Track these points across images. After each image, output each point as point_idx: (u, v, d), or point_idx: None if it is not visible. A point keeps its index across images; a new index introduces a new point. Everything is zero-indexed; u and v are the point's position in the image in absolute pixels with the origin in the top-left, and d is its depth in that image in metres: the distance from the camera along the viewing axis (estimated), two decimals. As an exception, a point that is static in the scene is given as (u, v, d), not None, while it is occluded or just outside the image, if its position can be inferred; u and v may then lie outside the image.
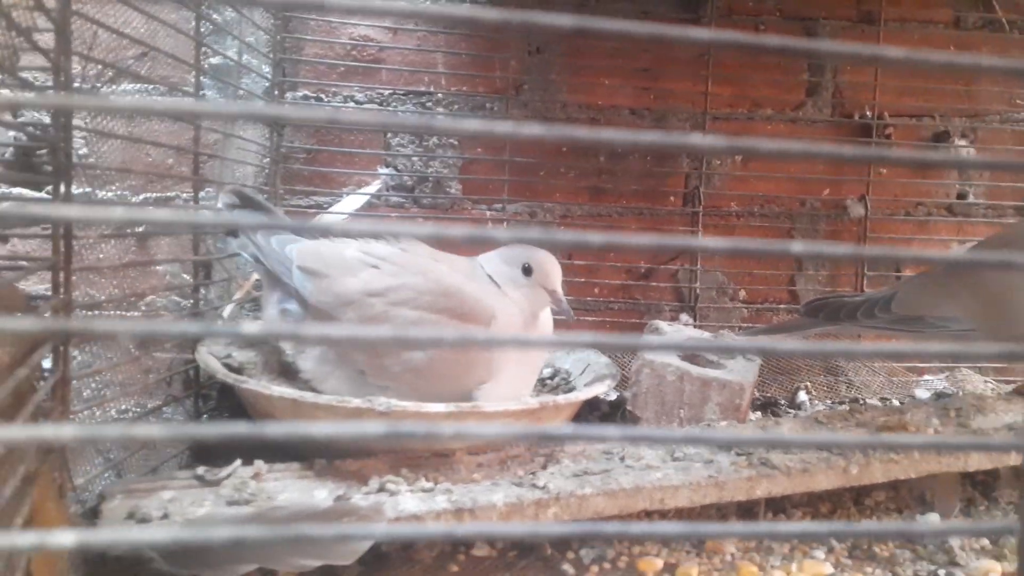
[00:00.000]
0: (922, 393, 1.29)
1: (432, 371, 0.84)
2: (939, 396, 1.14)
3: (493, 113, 1.32)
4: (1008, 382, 1.32)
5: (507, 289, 0.91)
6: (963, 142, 1.39)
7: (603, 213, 1.37)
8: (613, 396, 1.09)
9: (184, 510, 0.68)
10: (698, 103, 1.34)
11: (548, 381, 1.06)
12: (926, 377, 1.36)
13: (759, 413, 1.18)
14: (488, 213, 1.33)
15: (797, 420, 0.88)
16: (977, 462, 0.81)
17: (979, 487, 0.92)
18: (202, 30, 1.05)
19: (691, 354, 0.98)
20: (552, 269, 0.92)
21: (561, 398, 0.84)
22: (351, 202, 1.27)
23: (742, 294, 1.40)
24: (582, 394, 0.87)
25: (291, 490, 0.74)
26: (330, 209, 1.27)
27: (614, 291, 1.37)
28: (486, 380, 0.86)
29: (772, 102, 1.37)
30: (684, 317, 1.36)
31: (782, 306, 1.40)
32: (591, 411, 1.05)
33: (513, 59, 1.32)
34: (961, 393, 1.12)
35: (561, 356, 1.09)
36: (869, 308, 0.94)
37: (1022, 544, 0.30)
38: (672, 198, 1.38)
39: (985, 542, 0.81)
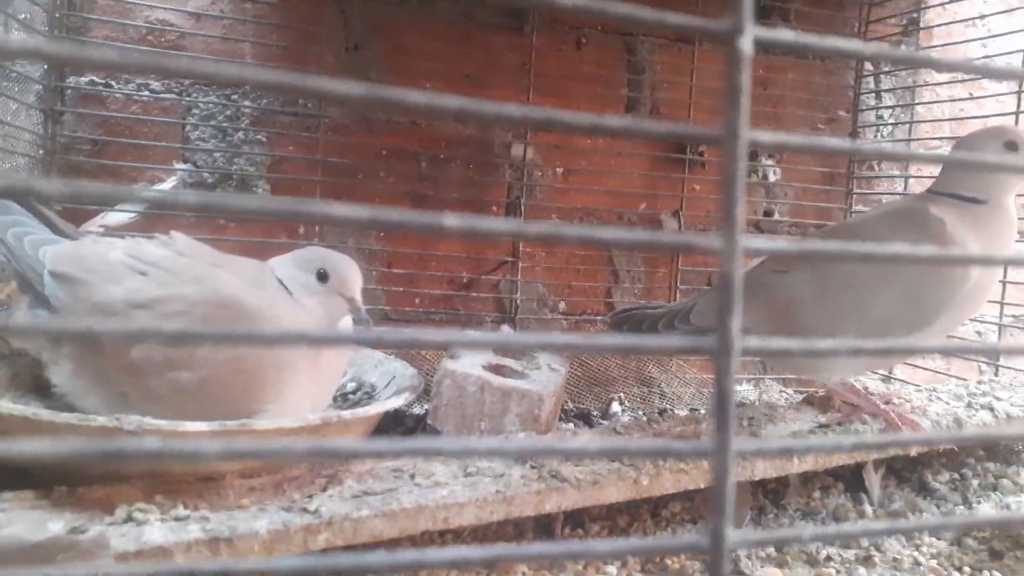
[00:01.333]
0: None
1: (204, 393, 0.76)
2: (738, 406, 1.17)
3: (307, 109, 1.25)
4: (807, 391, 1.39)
5: (300, 297, 0.84)
6: (770, 161, 1.46)
7: (424, 220, 1.32)
8: (422, 409, 1.04)
9: None
10: (521, 112, 1.32)
11: (351, 396, 1.00)
12: (737, 388, 1.40)
13: (572, 424, 1.17)
14: (299, 216, 1.25)
15: (595, 432, 0.86)
16: (763, 470, 0.82)
17: (769, 495, 0.94)
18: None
19: (497, 366, 0.95)
20: (350, 274, 0.87)
21: (347, 413, 0.78)
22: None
23: (562, 305, 1.39)
24: (372, 408, 0.81)
25: (18, 522, 0.63)
26: (118, 207, 1.14)
27: (435, 301, 1.33)
28: (271, 401, 0.78)
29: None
30: (505, 328, 1.34)
31: (599, 317, 1.41)
32: (396, 425, 0.99)
33: (329, 54, 1.25)
34: (756, 403, 1.16)
35: (367, 369, 1.02)
36: (669, 320, 0.95)
37: (711, 564, 0.27)
38: (495, 208, 1.36)
39: (771, 549, 0.82)
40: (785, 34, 0.28)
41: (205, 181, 1.21)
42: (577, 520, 0.85)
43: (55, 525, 0.64)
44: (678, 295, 1.41)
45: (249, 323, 0.77)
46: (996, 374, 1.31)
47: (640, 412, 1.27)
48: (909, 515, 0.92)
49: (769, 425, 0.92)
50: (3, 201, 0.84)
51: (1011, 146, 0.90)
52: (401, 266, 1.29)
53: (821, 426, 0.92)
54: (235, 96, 1.22)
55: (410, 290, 1.30)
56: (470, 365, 0.91)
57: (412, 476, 0.75)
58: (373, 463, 0.78)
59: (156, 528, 0.63)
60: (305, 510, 0.67)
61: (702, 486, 0.80)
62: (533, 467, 0.77)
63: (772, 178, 1.47)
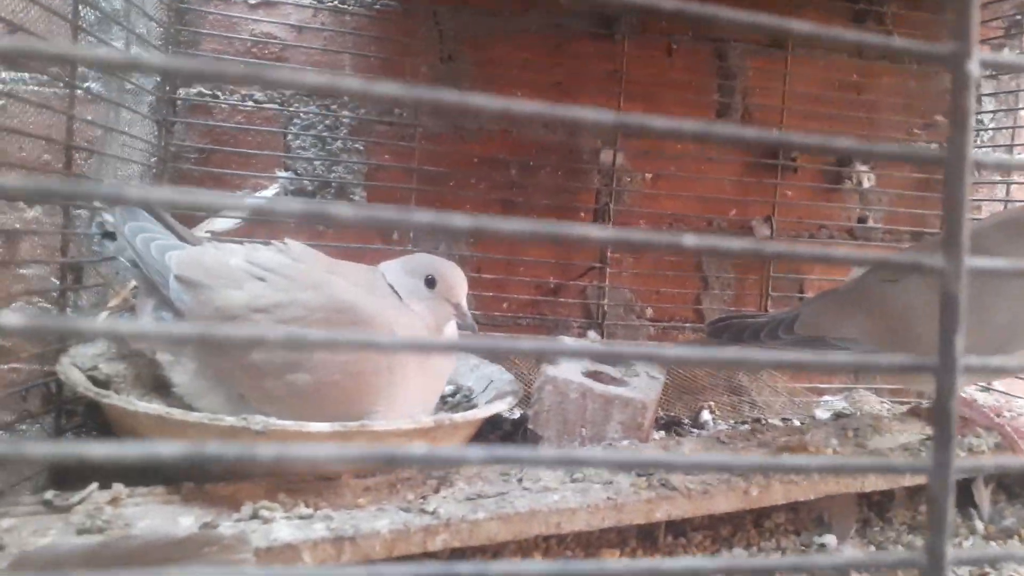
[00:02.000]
0: (822, 413, 1.30)
1: (320, 395, 0.78)
2: (838, 416, 1.15)
3: (402, 119, 1.27)
4: (903, 403, 1.35)
5: (410, 302, 0.86)
6: (864, 167, 1.43)
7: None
8: (517, 414, 1.05)
9: (23, 540, 0.60)
10: (610, 119, 1.33)
11: (449, 399, 1.02)
12: (826, 398, 1.38)
13: (663, 432, 1.16)
14: (394, 223, 1.28)
15: (699, 440, 0.86)
16: (873, 483, 0.81)
17: (875, 508, 0.92)
18: (83, 15, 0.97)
19: (595, 372, 0.96)
20: (457, 281, 0.88)
21: (458, 416, 0.80)
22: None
23: (649, 312, 1.39)
24: (481, 412, 0.83)
25: (153, 516, 0.67)
26: (224, 213, 1.19)
27: (523, 306, 1.34)
28: (382, 403, 0.81)
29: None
30: (592, 334, 1.34)
31: (688, 324, 1.40)
32: (492, 429, 1.01)
33: (424, 65, 1.28)
34: (859, 413, 1.13)
35: (464, 372, 1.04)
36: (773, 329, 0.94)
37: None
38: (583, 214, 1.36)
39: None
40: (1009, 56, 0.28)
41: (305, 188, 1.25)
42: (679, 529, 0.85)
43: (186, 520, 0.67)
44: (769, 302, 1.39)
45: (365, 327, 0.80)
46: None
47: (731, 421, 1.26)
48: (1021, 531, 0.89)
49: (875, 437, 0.90)
50: (131, 208, 0.88)
51: None
52: (490, 271, 1.31)
53: (930, 438, 0.90)
54: (334, 106, 1.26)
55: (499, 295, 1.31)
56: (570, 371, 0.92)
57: (520, 480, 0.76)
58: (480, 467, 0.79)
59: (283, 525, 0.65)
60: (423, 511, 0.68)
61: (812, 497, 0.79)
62: (641, 475, 0.77)
63: (866, 184, 1.44)
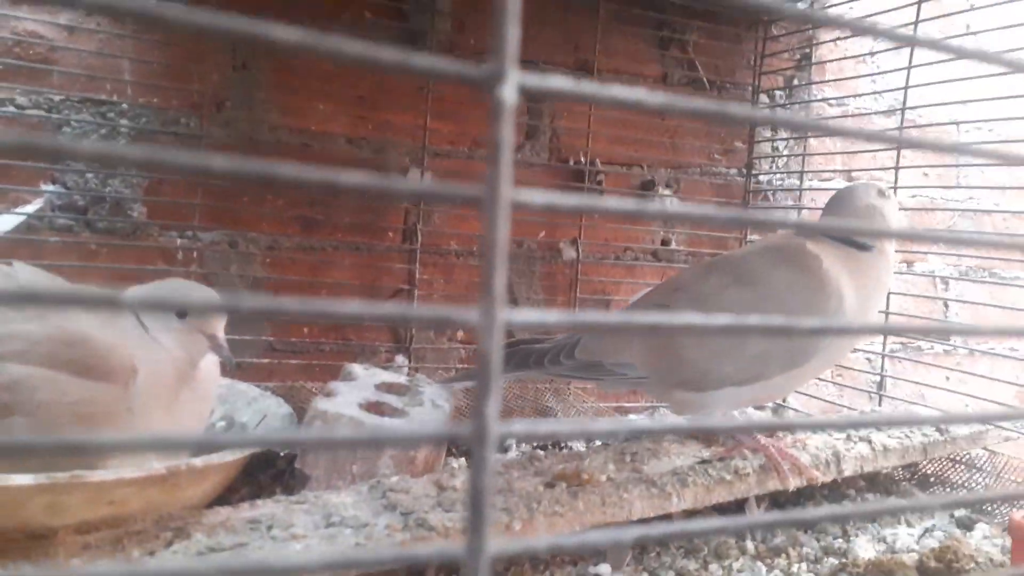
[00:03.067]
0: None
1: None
2: (624, 440, 1.16)
3: (189, 129, 1.19)
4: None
5: (156, 333, 0.79)
6: (667, 191, 1.47)
7: (315, 246, 1.27)
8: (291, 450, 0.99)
9: None
10: (417, 137, 1.30)
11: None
12: (631, 417, 1.40)
13: (463, 459, 1.14)
14: (179, 241, 1.19)
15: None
16: (641, 510, 0.81)
17: (652, 532, 0.92)
18: None
19: (377, 403, 0.92)
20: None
21: (199, 461, 0.73)
22: (3, 223, 1.08)
23: (460, 333, 1.36)
24: (228, 455, 0.76)
25: None
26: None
27: (325, 331, 1.28)
28: (118, 450, 0.73)
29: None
30: (399, 358, 1.30)
31: (500, 346, 1.38)
32: (265, 468, 0.94)
33: (214, 72, 1.20)
34: (641, 437, 1.15)
35: (240, 407, 0.97)
36: (555, 355, 0.93)
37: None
38: (391, 234, 1.32)
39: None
40: (557, 81, 0.26)
41: (76, 203, 1.14)
42: (452, 567, 0.82)
43: None
44: (577, 324, 1.40)
45: (100, 362, 0.72)
46: (879, 404, 1.34)
47: (534, 444, 1.25)
48: (790, 549, 0.92)
49: (653, 460, 0.91)
50: None
51: (883, 194, 0.93)
52: (289, 294, 1.24)
53: (703, 461, 0.92)
54: (111, 115, 1.15)
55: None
56: (345, 404, 0.87)
57: (270, 527, 0.71)
58: (229, 513, 0.73)
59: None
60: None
61: (577, 529, 0.78)
62: (404, 514, 0.73)
63: (671, 208, 1.47)
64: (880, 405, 1.32)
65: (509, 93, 0.24)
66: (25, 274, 0.78)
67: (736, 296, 0.88)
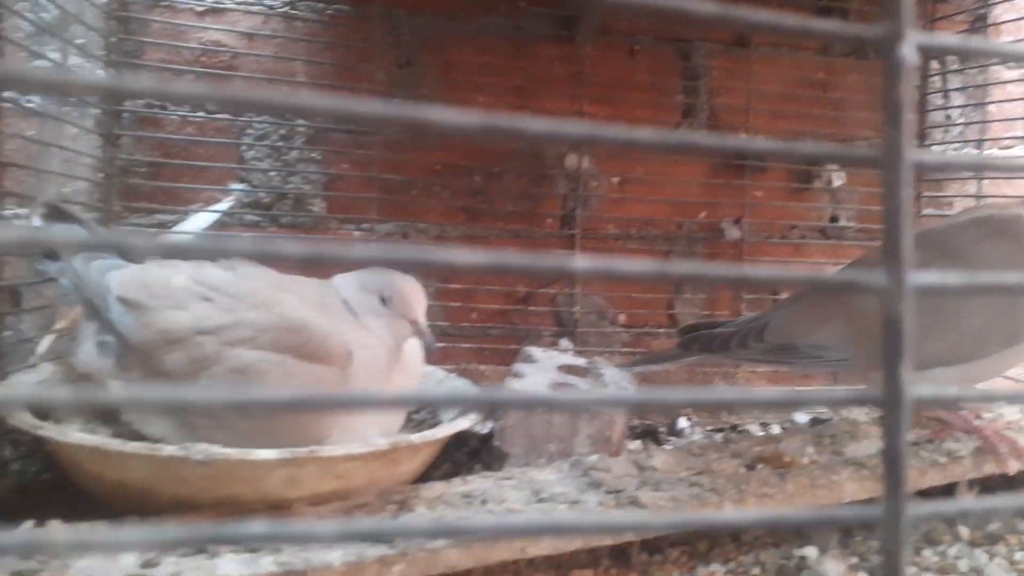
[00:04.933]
0: (802, 417, 1.28)
1: (272, 421, 0.74)
2: (816, 422, 1.13)
3: (361, 126, 1.23)
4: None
5: (365, 319, 0.82)
6: (834, 166, 1.41)
7: (479, 235, 1.30)
8: (487, 428, 1.01)
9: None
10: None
11: (414, 416, 0.98)
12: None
13: (639, 442, 1.13)
14: (356, 233, 1.24)
15: (671, 453, 0.83)
16: (852, 492, 0.78)
17: (854, 516, 0.89)
18: (11, 26, 0.92)
19: (564, 384, 0.92)
20: (414, 297, 0.84)
21: (416, 437, 0.76)
22: (200, 220, 1.16)
23: (622, 318, 1.36)
24: (440, 432, 0.79)
25: (92, 554, 0.62)
26: (176, 229, 1.14)
27: (492, 316, 1.30)
28: (338, 427, 0.76)
29: (648, 123, 1.34)
30: (564, 342, 1.31)
31: (661, 330, 1.37)
32: (460, 446, 0.96)
33: (380, 71, 1.24)
34: (835, 419, 1.10)
35: (429, 387, 1.00)
36: (742, 338, 0.91)
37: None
38: (549, 220, 1.33)
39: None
40: (948, 39, 0.25)
41: (261, 200, 1.21)
42: (655, 546, 0.81)
43: (127, 558, 0.62)
44: (744, 305, 1.37)
45: (317, 347, 0.75)
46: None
47: (709, 427, 1.23)
48: (1009, 536, 0.86)
49: (852, 443, 0.88)
50: (71, 225, 0.84)
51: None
52: (457, 280, 1.27)
53: (914, 443, 0.87)
54: (289, 115, 1.21)
55: (467, 305, 1.28)
56: (536, 384, 0.88)
57: (484, 502, 0.72)
58: (444, 488, 0.75)
59: (230, 560, 0.61)
60: (379, 540, 0.64)
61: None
62: (609, 492, 0.74)
63: (836, 183, 1.41)
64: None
65: (909, 52, 0.23)
66: (244, 266, 0.83)
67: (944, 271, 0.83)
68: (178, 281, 0.79)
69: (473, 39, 1.27)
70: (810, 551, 0.82)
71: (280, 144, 1.21)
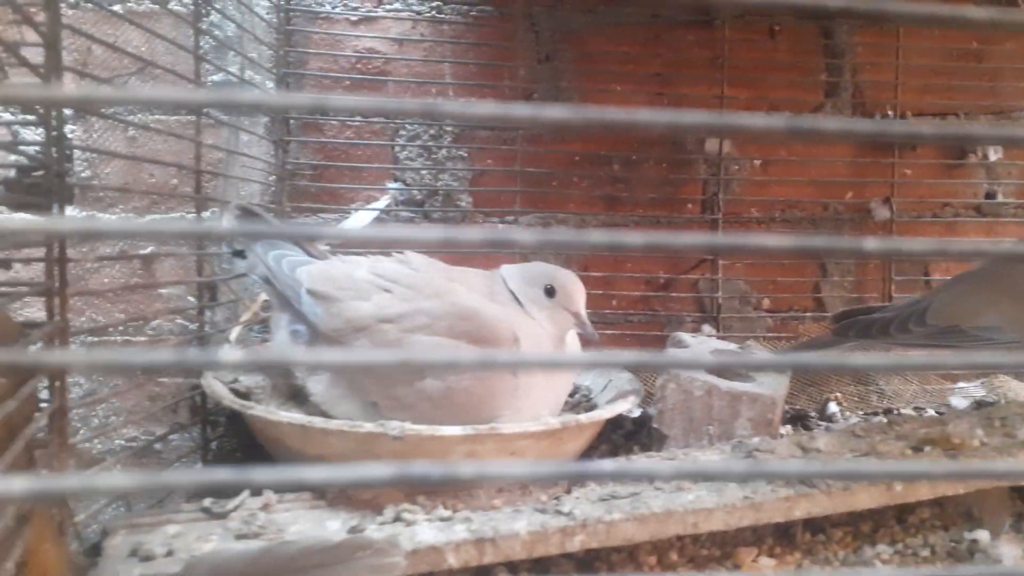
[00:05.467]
0: (958, 402, 1.23)
1: (450, 400, 0.80)
2: (979, 405, 1.09)
3: (504, 123, 1.29)
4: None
5: (530, 309, 0.87)
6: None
7: (619, 223, 1.33)
8: (637, 413, 1.04)
9: (190, 546, 0.64)
10: (714, 106, 1.30)
11: (568, 399, 1.02)
12: (960, 384, 1.30)
13: (788, 427, 1.13)
14: (500, 226, 1.30)
15: (833, 434, 0.83)
16: (1029, 476, 0.76)
17: (1029, 501, 0.86)
18: (202, 45, 1.03)
19: (718, 367, 0.94)
20: (575, 290, 0.88)
21: (583, 417, 0.80)
22: (360, 218, 1.24)
23: (766, 303, 1.35)
24: (605, 412, 0.83)
25: (302, 521, 0.70)
26: (339, 226, 1.23)
27: (633, 303, 1.33)
28: (509, 406, 0.82)
29: (790, 104, 1.33)
30: (707, 328, 1.32)
31: (808, 314, 1.35)
32: (614, 429, 1.00)
33: (522, 67, 1.28)
34: (1004, 401, 1.07)
35: (584, 373, 1.04)
36: (902, 322, 0.89)
37: None
38: (690, 205, 1.34)
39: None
40: None
41: (414, 198, 1.28)
42: (818, 526, 0.82)
43: (334, 524, 0.70)
44: (893, 287, 1.33)
45: (488, 333, 0.81)
46: None
47: (860, 412, 1.21)
48: None
49: (1025, 426, 0.85)
50: (257, 218, 0.93)
51: None
52: (597, 268, 1.30)
53: (1088, 427, 0.84)
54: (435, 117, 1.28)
55: (607, 292, 1.31)
56: (693, 368, 0.90)
57: (652, 480, 0.76)
58: (611, 465, 0.79)
59: (425, 528, 0.67)
60: (559, 512, 0.69)
61: (961, 491, 0.75)
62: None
63: (993, 157, 1.35)
64: None
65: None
66: (417, 260, 0.90)
67: None
68: (360, 274, 0.86)
69: (611, 29, 1.30)
70: (981, 534, 0.81)
71: (430, 144, 1.28)
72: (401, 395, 0.81)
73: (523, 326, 0.84)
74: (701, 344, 1.03)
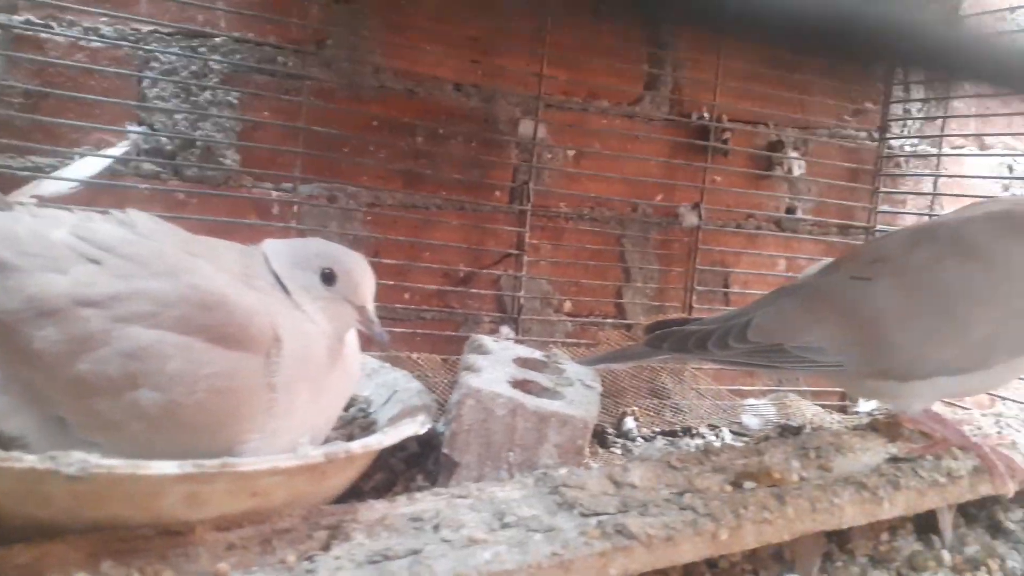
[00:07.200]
0: (749, 419, 1.20)
1: (174, 420, 0.58)
2: (784, 429, 1.05)
3: (287, 68, 1.06)
4: (827, 407, 1.27)
5: (299, 299, 0.67)
6: (795, 154, 1.33)
7: (419, 204, 1.15)
8: (423, 429, 0.88)
9: None
10: (531, 86, 1.17)
11: (342, 413, 0.83)
12: (750, 401, 1.28)
13: (599, 449, 1.03)
14: (274, 194, 1.07)
15: (648, 466, 0.72)
16: (852, 518, 0.69)
17: (835, 539, 0.81)
18: None
19: (524, 381, 0.80)
20: (363, 279, 0.70)
21: (357, 445, 0.62)
22: (86, 166, 0.96)
23: (567, 306, 1.24)
24: (386, 438, 0.65)
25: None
26: (56, 174, 0.95)
27: (428, 297, 1.16)
28: (259, 430, 0.61)
29: (609, 92, 1.23)
30: (505, 330, 1.18)
31: (608, 320, 1.26)
32: (394, 452, 0.82)
33: (315, 5, 1.07)
34: (809, 428, 1.03)
35: (360, 380, 0.85)
36: (721, 337, 0.80)
37: None
38: (498, 193, 1.20)
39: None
40: None
41: (163, 148, 1.02)
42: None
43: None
44: (694, 296, 1.28)
45: (238, 329, 0.60)
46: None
47: (655, 428, 1.13)
48: (990, 561, 0.80)
49: (838, 457, 0.79)
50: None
51: None
52: (390, 255, 1.12)
53: (895, 459, 0.79)
54: (203, 49, 1.03)
55: (400, 284, 1.13)
56: (494, 381, 0.75)
57: (437, 527, 0.59)
58: (386, 509, 0.62)
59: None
60: (311, 582, 0.50)
61: (786, 538, 0.66)
62: (587, 515, 0.62)
63: (796, 172, 1.34)
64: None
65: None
66: (145, 223, 0.66)
67: (956, 271, 0.75)
68: (58, 236, 0.62)
69: (428, -23, 1.12)
70: (794, 580, 0.73)
71: (191, 82, 1.02)
72: (102, 410, 0.58)
73: (288, 321, 0.64)
74: (505, 350, 0.89)
